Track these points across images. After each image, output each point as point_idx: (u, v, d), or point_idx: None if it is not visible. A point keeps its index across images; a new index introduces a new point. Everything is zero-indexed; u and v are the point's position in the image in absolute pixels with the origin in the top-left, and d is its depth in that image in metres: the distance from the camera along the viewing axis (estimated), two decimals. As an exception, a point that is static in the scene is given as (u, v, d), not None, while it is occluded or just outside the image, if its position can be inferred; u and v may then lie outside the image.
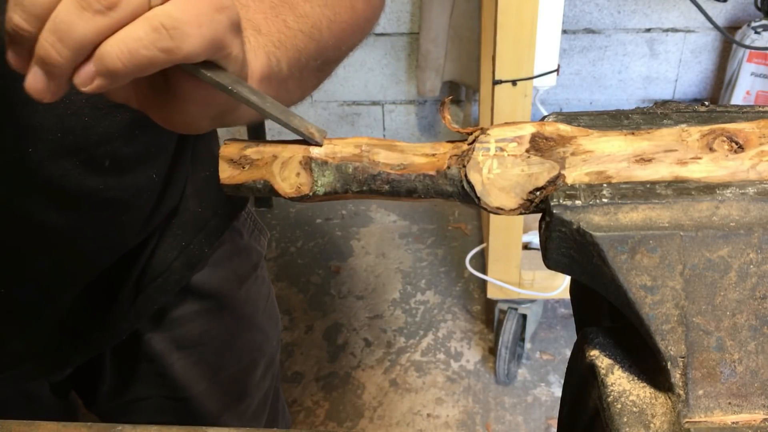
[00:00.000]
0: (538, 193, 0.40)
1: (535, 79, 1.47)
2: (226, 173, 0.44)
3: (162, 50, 0.38)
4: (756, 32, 1.98)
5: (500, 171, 0.40)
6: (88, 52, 0.38)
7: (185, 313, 0.81)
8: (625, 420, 0.36)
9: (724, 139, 0.39)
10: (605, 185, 0.38)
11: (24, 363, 0.74)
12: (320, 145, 0.43)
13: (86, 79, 0.38)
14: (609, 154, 0.39)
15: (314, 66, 0.57)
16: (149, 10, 0.38)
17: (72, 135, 0.58)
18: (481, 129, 0.42)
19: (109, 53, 0.38)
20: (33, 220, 0.61)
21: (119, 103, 0.44)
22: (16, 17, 0.38)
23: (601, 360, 0.39)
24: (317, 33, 0.56)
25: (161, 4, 0.38)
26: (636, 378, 0.38)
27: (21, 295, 0.67)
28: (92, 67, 0.38)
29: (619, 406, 0.37)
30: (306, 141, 0.43)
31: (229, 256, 0.83)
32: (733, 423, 0.35)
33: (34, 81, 0.39)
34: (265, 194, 0.44)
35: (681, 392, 0.35)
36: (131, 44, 0.37)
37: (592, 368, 0.39)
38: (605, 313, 0.44)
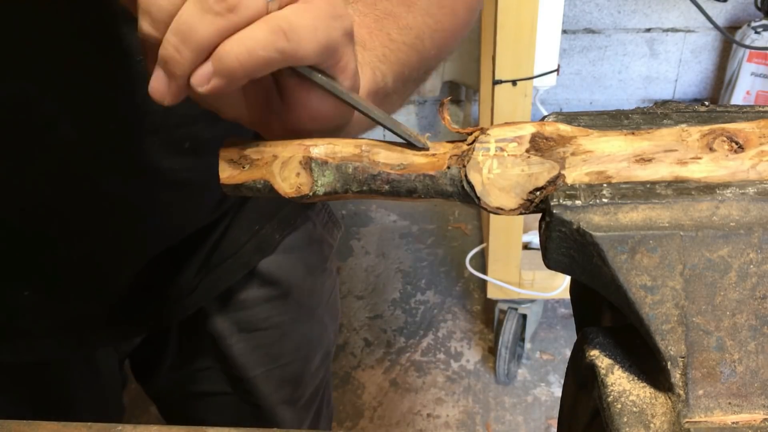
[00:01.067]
0: (538, 193, 0.40)
1: (535, 79, 1.47)
2: (226, 173, 0.44)
3: (279, 51, 0.39)
4: (756, 32, 1.98)
5: (500, 171, 0.40)
6: (207, 52, 0.39)
7: (250, 297, 0.83)
8: (625, 420, 0.36)
9: (724, 139, 0.39)
10: (605, 185, 0.38)
11: (96, 328, 0.76)
12: (427, 149, 0.43)
13: (203, 79, 0.39)
14: (609, 154, 0.39)
15: (416, 77, 0.58)
16: (267, 14, 0.39)
17: (153, 115, 0.60)
18: (481, 129, 0.42)
19: (227, 52, 0.39)
20: (109, 193, 0.64)
21: (230, 120, 0.45)
22: (145, 25, 0.40)
23: (601, 360, 0.39)
24: (420, 44, 0.57)
25: (278, 9, 0.40)
26: (636, 378, 0.38)
27: (95, 263, 0.69)
28: (210, 67, 0.39)
29: (619, 406, 0.37)
30: (412, 145, 0.44)
31: (300, 245, 0.85)
32: (733, 423, 0.35)
33: (157, 83, 0.40)
34: (265, 194, 0.44)
35: (681, 392, 0.35)
36: (249, 44, 0.39)
37: (592, 368, 0.39)
38: (605, 313, 0.44)
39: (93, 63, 0.56)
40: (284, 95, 0.44)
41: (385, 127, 0.44)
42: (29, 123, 0.57)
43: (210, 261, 0.78)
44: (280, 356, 0.89)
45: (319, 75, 0.42)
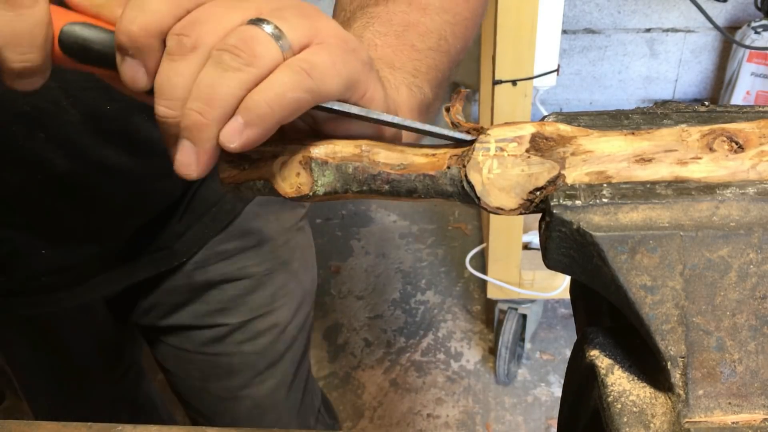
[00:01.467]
0: (538, 193, 0.40)
1: (535, 79, 1.47)
2: (226, 173, 0.44)
3: (306, 90, 0.39)
4: (756, 32, 1.98)
5: (500, 171, 0.40)
6: (233, 109, 0.39)
7: (227, 248, 0.87)
8: (625, 420, 0.36)
9: (724, 139, 0.39)
10: (605, 185, 0.38)
11: (102, 278, 0.83)
12: (475, 138, 0.43)
13: (234, 133, 0.39)
14: (609, 154, 0.39)
15: (448, 76, 0.59)
16: (284, 61, 0.40)
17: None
18: (481, 128, 0.42)
19: (257, 101, 0.39)
20: (108, 163, 0.69)
21: None
22: (162, 108, 0.40)
23: (601, 360, 0.39)
24: (444, 44, 0.57)
25: (293, 55, 0.40)
26: (636, 378, 0.38)
27: (98, 222, 0.76)
28: (240, 120, 0.39)
29: (619, 406, 0.37)
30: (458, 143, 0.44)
31: (275, 201, 0.89)
32: (733, 423, 0.35)
33: (183, 156, 0.40)
34: (265, 194, 0.44)
35: (681, 392, 0.35)
36: (277, 89, 0.39)
37: (592, 368, 0.39)
38: (605, 313, 0.44)
39: None
40: (324, 133, 0.45)
41: (427, 134, 0.44)
42: (43, 105, 0.63)
43: (194, 207, 0.82)
44: (257, 307, 0.93)
45: (350, 105, 0.43)
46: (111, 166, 0.70)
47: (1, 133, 0.64)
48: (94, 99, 0.65)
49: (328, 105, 0.42)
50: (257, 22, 0.40)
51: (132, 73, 0.40)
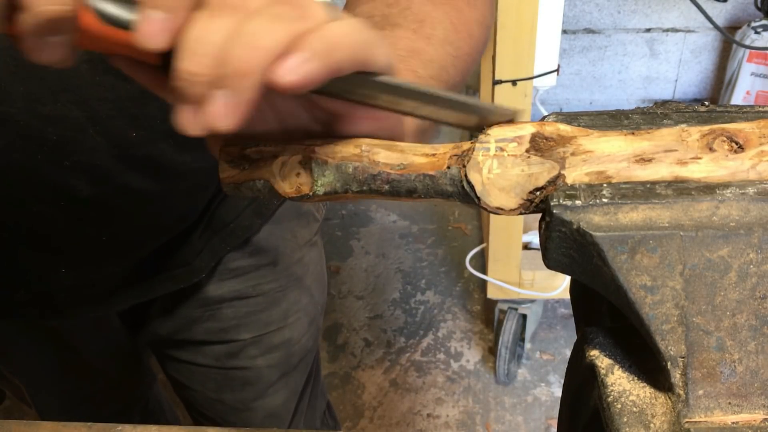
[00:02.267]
0: (538, 193, 0.40)
1: (535, 79, 1.47)
2: (226, 173, 0.44)
3: (361, 44, 0.38)
4: (756, 32, 1.98)
5: (500, 171, 0.40)
6: (277, 58, 0.35)
7: (241, 266, 0.88)
8: (625, 420, 0.36)
9: (724, 139, 0.39)
10: (605, 185, 0.38)
11: (120, 294, 0.84)
12: (513, 116, 0.43)
13: (292, 68, 0.35)
14: (609, 154, 0.39)
15: (458, 83, 0.59)
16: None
17: (170, 122, 0.62)
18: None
19: (312, 40, 0.35)
20: (132, 187, 0.70)
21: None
22: (193, 65, 0.35)
23: (601, 360, 0.39)
24: (445, 74, 0.57)
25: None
26: (636, 378, 0.38)
27: (119, 243, 0.77)
28: (297, 56, 0.35)
29: (619, 406, 0.37)
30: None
31: (289, 216, 0.90)
32: (733, 423, 0.35)
33: (219, 108, 0.35)
34: (265, 194, 0.44)
35: (681, 392, 0.35)
36: (334, 32, 0.36)
37: (592, 368, 0.39)
38: (605, 313, 0.44)
39: (112, 84, 0.62)
40: (339, 132, 0.44)
41: (466, 107, 0.42)
42: (69, 134, 0.64)
43: (212, 225, 0.83)
44: (270, 323, 0.93)
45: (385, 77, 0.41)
46: (135, 190, 0.71)
47: (26, 162, 0.64)
48: (120, 127, 0.65)
49: (382, 79, 0.40)
50: None
51: (153, 27, 0.35)
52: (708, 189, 0.37)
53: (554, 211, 0.37)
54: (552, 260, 0.39)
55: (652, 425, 0.36)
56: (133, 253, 0.80)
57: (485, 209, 0.41)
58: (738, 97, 2.09)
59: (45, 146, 0.64)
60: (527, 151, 0.40)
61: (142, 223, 0.76)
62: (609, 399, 0.37)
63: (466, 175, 0.41)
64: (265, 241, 0.88)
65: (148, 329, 0.95)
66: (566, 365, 0.44)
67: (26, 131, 0.62)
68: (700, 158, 0.38)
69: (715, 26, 1.67)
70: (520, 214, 0.41)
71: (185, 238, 0.83)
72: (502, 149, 0.41)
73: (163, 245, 0.81)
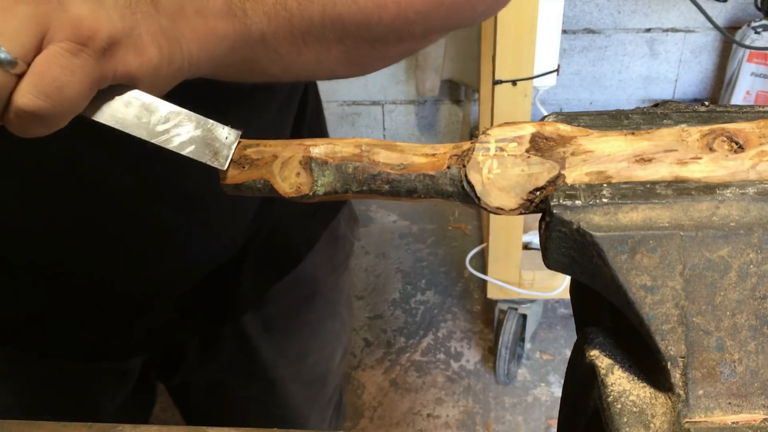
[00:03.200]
0: (538, 193, 0.40)
1: (535, 79, 1.47)
2: (226, 173, 0.44)
3: (47, 116, 0.38)
4: (756, 32, 1.98)
5: (500, 171, 0.40)
6: None
7: (279, 296, 0.82)
8: (625, 420, 0.36)
9: (724, 139, 0.39)
10: (605, 185, 0.38)
11: (155, 339, 0.78)
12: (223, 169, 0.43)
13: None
14: (609, 154, 0.39)
15: (332, 37, 0.51)
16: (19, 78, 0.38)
17: None
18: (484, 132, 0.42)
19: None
20: (162, 224, 0.66)
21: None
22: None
23: (601, 360, 0.39)
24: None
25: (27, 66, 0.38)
26: (636, 378, 0.38)
27: (152, 285, 0.71)
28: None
29: (619, 406, 0.37)
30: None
31: (327, 242, 0.84)
32: (733, 423, 0.35)
33: None
34: (265, 194, 0.44)
35: (681, 392, 0.35)
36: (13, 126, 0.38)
37: (592, 368, 0.39)
38: (605, 313, 0.44)
39: None
40: None
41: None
42: (86, 174, 0.61)
43: (263, 259, 0.78)
44: (307, 355, 0.89)
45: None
46: (162, 224, 0.67)
47: (49, 200, 0.62)
48: (141, 159, 0.61)
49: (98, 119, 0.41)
50: None
51: None
52: (708, 189, 0.37)
53: (554, 211, 0.37)
54: (552, 260, 0.39)
55: (652, 425, 0.36)
56: (167, 296, 0.74)
57: (485, 209, 0.41)
58: (738, 97, 2.09)
59: (66, 183, 0.61)
60: (527, 151, 0.40)
61: (173, 265, 0.71)
62: (609, 399, 0.37)
63: (466, 175, 0.41)
64: (303, 270, 0.83)
65: (181, 371, 0.87)
66: (566, 365, 0.44)
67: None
68: (700, 158, 0.38)
69: (715, 26, 1.67)
70: (520, 214, 0.41)
71: (228, 273, 0.77)
72: (502, 149, 0.41)
73: (205, 283, 0.75)
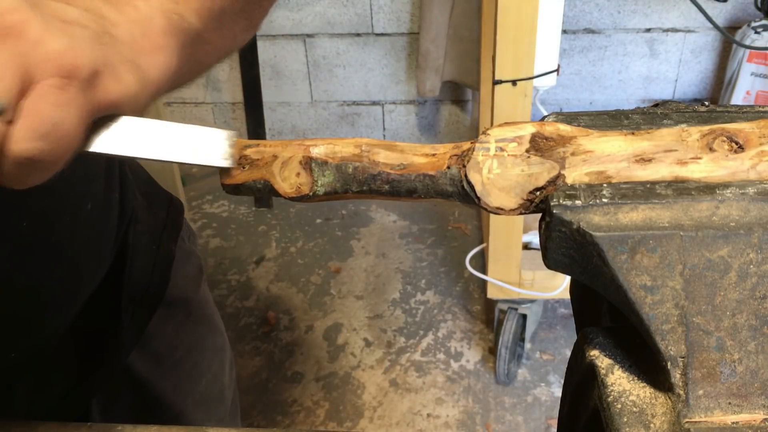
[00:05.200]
0: (538, 193, 0.40)
1: (535, 79, 1.47)
2: (226, 173, 0.44)
3: (46, 166, 0.38)
4: (756, 32, 1.98)
5: (500, 171, 0.40)
6: None
7: (158, 325, 0.79)
8: (625, 420, 0.36)
9: (724, 139, 0.39)
10: (605, 185, 0.38)
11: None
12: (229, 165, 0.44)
13: None
14: (609, 154, 0.39)
15: (235, 9, 0.53)
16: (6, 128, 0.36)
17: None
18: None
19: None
20: (29, 281, 0.61)
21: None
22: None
23: (601, 360, 0.39)
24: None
25: (13, 113, 0.36)
26: (636, 378, 0.38)
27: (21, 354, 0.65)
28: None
29: (619, 406, 0.37)
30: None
31: (181, 262, 0.82)
32: (733, 423, 0.35)
33: None
34: (265, 194, 0.44)
35: (681, 392, 0.35)
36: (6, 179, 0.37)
37: (592, 368, 0.39)
38: (605, 313, 0.44)
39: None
40: None
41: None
42: (47, 229, 0.59)
43: (133, 290, 0.75)
44: (200, 377, 0.86)
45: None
46: (30, 281, 0.61)
47: None
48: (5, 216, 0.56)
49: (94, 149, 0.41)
50: None
51: None
52: (708, 189, 0.37)
53: (554, 211, 0.37)
54: (552, 260, 0.39)
55: (652, 425, 0.36)
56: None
57: (485, 209, 0.41)
58: (738, 97, 2.09)
59: None
60: (527, 151, 0.40)
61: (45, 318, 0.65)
62: (609, 399, 0.37)
63: (466, 175, 0.41)
64: (171, 293, 0.79)
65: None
66: (566, 365, 0.44)
67: None
68: (700, 158, 0.38)
69: (715, 26, 1.67)
70: (520, 214, 0.41)
71: (113, 318, 0.73)
72: (502, 149, 0.41)
73: (84, 328, 0.71)
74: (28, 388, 0.68)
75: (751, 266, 0.36)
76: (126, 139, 0.42)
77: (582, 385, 0.41)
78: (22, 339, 0.64)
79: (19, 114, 0.36)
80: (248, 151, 0.44)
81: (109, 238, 0.70)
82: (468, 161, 0.41)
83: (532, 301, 1.83)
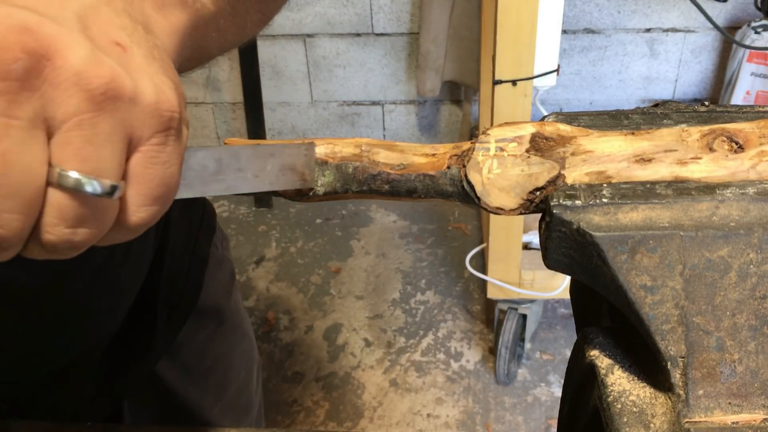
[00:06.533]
0: (538, 193, 0.40)
1: (535, 79, 1.47)
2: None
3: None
4: (756, 32, 1.98)
5: (500, 171, 0.40)
6: None
7: (188, 334, 0.79)
8: (625, 420, 0.36)
9: (724, 139, 0.39)
10: (605, 185, 0.38)
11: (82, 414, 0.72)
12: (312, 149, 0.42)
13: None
14: (609, 154, 0.39)
15: None
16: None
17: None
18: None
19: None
20: (72, 304, 0.62)
21: None
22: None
23: (601, 360, 0.39)
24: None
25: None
26: (636, 378, 0.38)
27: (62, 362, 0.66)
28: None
29: (619, 406, 0.37)
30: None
31: (214, 269, 0.82)
32: (733, 423, 0.35)
33: None
34: (265, 195, 0.44)
35: (681, 392, 0.35)
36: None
37: (592, 368, 0.39)
38: (605, 313, 0.44)
39: None
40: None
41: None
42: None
43: (168, 301, 0.75)
44: (228, 384, 0.86)
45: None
46: (72, 304, 0.63)
47: None
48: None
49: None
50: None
51: None
52: (708, 189, 0.37)
53: (554, 211, 0.37)
54: (552, 260, 0.39)
55: (652, 425, 0.36)
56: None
57: (485, 209, 0.41)
58: (738, 97, 2.09)
59: None
60: (527, 151, 0.40)
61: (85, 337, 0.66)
62: (609, 399, 0.37)
63: (466, 175, 0.41)
64: (203, 302, 0.79)
65: None
66: (566, 365, 0.44)
67: None
68: (700, 158, 0.38)
69: (715, 26, 1.67)
70: (520, 214, 0.41)
71: (147, 325, 0.73)
72: (502, 149, 0.40)
73: (117, 340, 0.71)
74: (63, 392, 0.68)
75: (751, 266, 0.36)
76: (209, 177, 0.38)
77: (582, 385, 0.41)
78: (66, 354, 0.65)
79: (130, 183, 0.33)
80: (248, 151, 0.44)
81: (147, 243, 0.70)
82: (468, 161, 0.41)
83: (532, 301, 1.83)
